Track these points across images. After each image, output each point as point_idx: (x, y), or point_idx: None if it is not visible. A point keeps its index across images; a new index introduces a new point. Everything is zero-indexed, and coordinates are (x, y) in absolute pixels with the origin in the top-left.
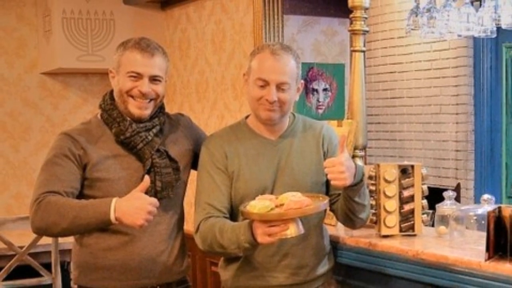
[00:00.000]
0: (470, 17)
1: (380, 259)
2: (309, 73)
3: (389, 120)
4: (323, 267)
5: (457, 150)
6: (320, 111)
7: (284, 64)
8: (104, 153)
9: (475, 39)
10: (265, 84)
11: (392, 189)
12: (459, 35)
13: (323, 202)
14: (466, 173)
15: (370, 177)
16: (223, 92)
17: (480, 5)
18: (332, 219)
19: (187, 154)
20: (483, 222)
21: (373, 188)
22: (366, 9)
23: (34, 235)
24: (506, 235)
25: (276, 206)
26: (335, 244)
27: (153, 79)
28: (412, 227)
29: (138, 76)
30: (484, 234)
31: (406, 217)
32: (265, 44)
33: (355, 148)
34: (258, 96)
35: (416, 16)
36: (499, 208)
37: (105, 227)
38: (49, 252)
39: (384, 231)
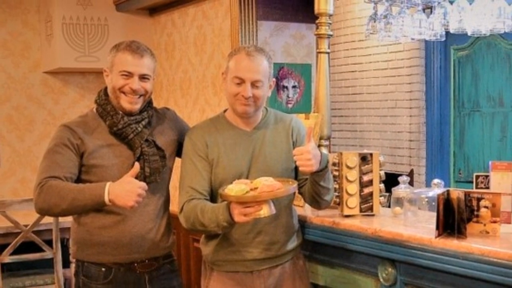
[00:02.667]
0: (422, 23)
1: (343, 236)
2: (280, 72)
3: (351, 113)
4: (292, 243)
5: (410, 140)
6: (290, 105)
7: (258, 64)
8: (99, 143)
9: (427, 42)
10: (241, 81)
11: (353, 174)
12: (412, 39)
13: (293, 186)
14: (418, 160)
15: (334, 164)
16: (204, 89)
17: (431, 12)
18: (300, 200)
19: (172, 143)
20: (433, 203)
21: (336, 173)
22: (330, 15)
23: (37, 215)
24: (454, 215)
25: (251, 190)
26: (303, 223)
27: (142, 77)
28: (371, 208)
29: (129, 74)
30: (435, 214)
31: (366, 199)
32: (241, 46)
33: (321, 138)
34: (235, 92)
35: (374, 21)
36: (448, 191)
37: (100, 208)
38: (50, 230)
39: (346, 211)
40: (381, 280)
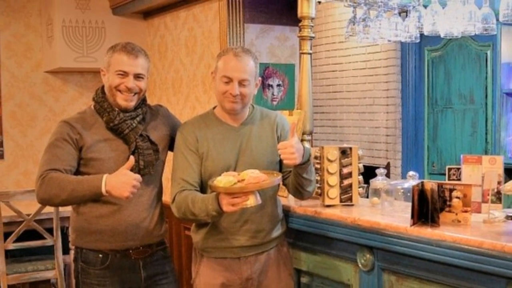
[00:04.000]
0: (398, 26)
1: (324, 224)
2: (265, 72)
3: (331, 110)
4: (277, 231)
5: (387, 135)
6: (275, 103)
7: (245, 64)
8: (97, 137)
9: (402, 44)
10: (229, 80)
11: (334, 167)
12: (389, 40)
13: (277, 178)
14: (394, 154)
15: (316, 157)
16: (195, 87)
17: (406, 15)
18: (284, 191)
19: (165, 138)
20: (408, 194)
21: (318, 166)
22: (312, 18)
23: (39, 205)
24: (428, 205)
25: (238, 181)
26: (287, 212)
27: (137, 76)
28: (350, 198)
29: (124, 74)
30: (410, 204)
31: (345, 190)
32: (229, 47)
33: (303, 133)
34: (224, 90)
35: (354, 24)
36: (422, 182)
37: (97, 198)
38: (51, 219)
39: (327, 201)
40: (360, 265)
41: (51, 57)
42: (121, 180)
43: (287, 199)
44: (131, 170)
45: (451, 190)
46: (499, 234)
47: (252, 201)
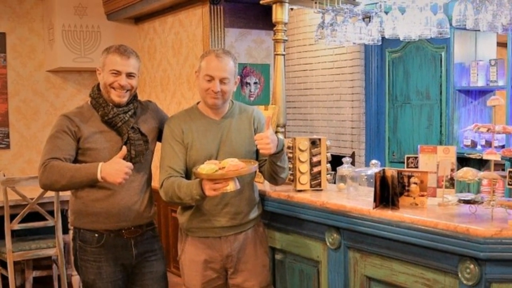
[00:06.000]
0: (362, 30)
1: (296, 207)
2: (244, 71)
3: (302, 105)
4: (254, 213)
5: (352, 127)
6: (252, 98)
7: (225, 64)
8: (93, 130)
9: (366, 46)
10: (211, 79)
11: (304, 156)
12: (354, 43)
13: (254, 166)
14: (359, 144)
15: (289, 147)
16: (180, 85)
17: (370, 21)
18: (260, 178)
19: (154, 130)
20: (371, 180)
21: (290, 155)
22: (285, 23)
23: (41, 190)
24: (388, 190)
25: (220, 169)
26: (263, 196)
27: (129, 75)
28: (319, 184)
29: (118, 73)
30: (372, 189)
31: (315, 177)
32: (211, 49)
33: (278, 126)
34: (206, 87)
35: (322, 29)
36: (383, 170)
37: (93, 184)
38: (52, 202)
39: (299, 187)
40: (328, 244)
41: (52, 58)
42: (114, 168)
43: (263, 185)
44: (124, 158)
45: (409, 177)
46: (452, 216)
47: (231, 186)
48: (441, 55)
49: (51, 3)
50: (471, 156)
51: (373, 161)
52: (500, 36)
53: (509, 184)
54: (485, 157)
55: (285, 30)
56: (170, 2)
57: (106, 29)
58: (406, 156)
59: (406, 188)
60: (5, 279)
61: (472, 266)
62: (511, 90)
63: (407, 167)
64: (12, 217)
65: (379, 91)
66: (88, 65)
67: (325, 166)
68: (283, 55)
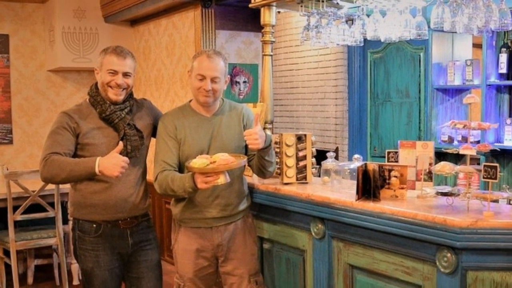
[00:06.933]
0: (345, 32)
1: (283, 199)
2: (234, 70)
3: (289, 103)
4: (243, 205)
5: (336, 124)
6: (241, 96)
7: (216, 64)
8: (91, 126)
9: (349, 47)
10: (203, 78)
11: (291, 151)
12: (338, 44)
13: (243, 160)
14: (342, 139)
15: (276, 143)
16: (174, 83)
17: (352, 23)
18: (249, 171)
19: (148, 126)
20: (354, 173)
21: (278, 150)
22: (273, 26)
23: (42, 183)
24: (370, 182)
25: (211, 163)
26: (251, 189)
27: (125, 74)
28: (305, 177)
29: (114, 72)
30: (355, 182)
31: (301, 170)
32: (203, 50)
33: (265, 122)
34: (198, 86)
35: (308, 30)
36: (365, 164)
37: (91, 177)
38: (52, 195)
39: (285, 180)
40: (313, 234)
41: (52, 58)
42: (111, 162)
43: (251, 178)
44: (120, 153)
45: (390, 170)
46: (430, 208)
47: (222, 179)
48: (420, 55)
49: (52, 6)
50: (448, 151)
51: (356, 156)
52: (475, 37)
53: (484, 178)
54: (461, 152)
55: (273, 32)
56: (164, 6)
57: (103, 31)
58: (386, 151)
59: (387, 181)
60: (8, 267)
61: (449, 254)
62: (485, 89)
63: (388, 161)
64: (15, 208)
65: (361, 89)
66: (87, 65)
67: (310, 161)
68: (271, 55)
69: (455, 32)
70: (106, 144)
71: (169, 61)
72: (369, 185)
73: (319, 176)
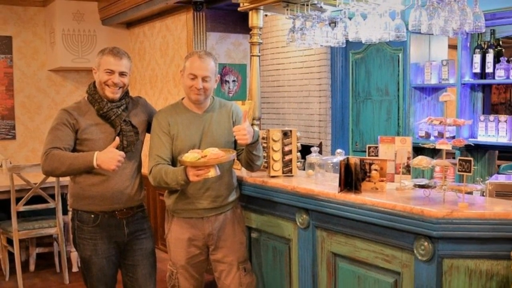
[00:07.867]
0: (328, 34)
1: (269, 191)
2: (223, 70)
3: (276, 100)
4: (232, 197)
5: (320, 120)
6: (231, 95)
7: (207, 64)
8: (89, 122)
9: (332, 48)
10: (194, 77)
11: (277, 146)
12: (321, 45)
13: (233, 154)
14: (325, 135)
15: (263, 138)
16: (167, 82)
17: (335, 26)
18: (238, 165)
19: (143, 123)
20: (337, 167)
21: (265, 145)
22: (260, 28)
23: (44, 176)
24: (352, 175)
25: (202, 157)
26: (240, 181)
27: (121, 74)
28: (290, 171)
29: (111, 72)
30: (338, 175)
31: (287, 164)
32: (194, 51)
33: (253, 119)
34: (190, 85)
35: (293, 32)
36: (347, 158)
37: (90, 170)
38: (53, 187)
39: (272, 173)
40: (298, 224)
41: (53, 59)
42: (108, 156)
43: (240, 171)
44: (117, 148)
45: (370, 164)
46: (408, 199)
47: (212, 172)
48: (398, 56)
49: (53, 10)
50: (425, 146)
51: (338, 150)
52: (451, 39)
53: (459, 171)
54: (437, 146)
55: (260, 34)
56: (158, 9)
57: (101, 33)
58: (367, 145)
59: (368, 174)
60: (11, 255)
61: (426, 243)
62: (460, 87)
63: (369, 155)
64: (18, 200)
65: (343, 88)
66: (85, 65)
67: (295, 155)
68: (258, 56)
69: (432, 34)
70: (104, 139)
71: (163, 61)
72: (351, 178)
73: (304, 169)
